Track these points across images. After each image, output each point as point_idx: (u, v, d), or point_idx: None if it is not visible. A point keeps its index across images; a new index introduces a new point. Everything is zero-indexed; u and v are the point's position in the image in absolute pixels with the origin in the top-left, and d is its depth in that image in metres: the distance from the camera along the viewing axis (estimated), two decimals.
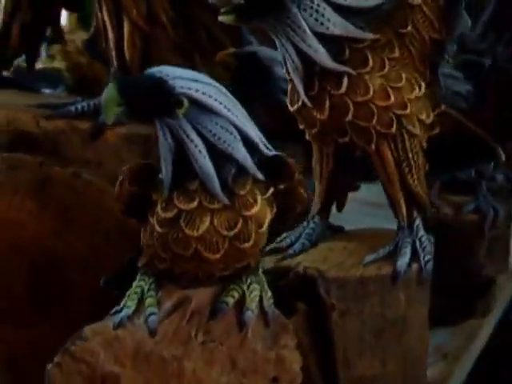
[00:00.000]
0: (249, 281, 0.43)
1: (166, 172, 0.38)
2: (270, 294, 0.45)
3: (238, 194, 0.39)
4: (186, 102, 0.36)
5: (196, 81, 0.37)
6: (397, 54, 0.46)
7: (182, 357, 0.42)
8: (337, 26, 0.43)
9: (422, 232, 0.49)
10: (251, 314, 0.43)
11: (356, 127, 0.46)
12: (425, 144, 0.49)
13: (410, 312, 0.48)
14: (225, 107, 0.37)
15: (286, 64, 0.45)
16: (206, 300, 0.43)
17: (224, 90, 0.38)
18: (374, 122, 0.46)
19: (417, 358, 0.50)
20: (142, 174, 0.40)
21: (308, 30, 0.43)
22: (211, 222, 0.39)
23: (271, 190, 0.41)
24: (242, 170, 0.39)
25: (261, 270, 0.45)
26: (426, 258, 0.47)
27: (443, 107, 0.51)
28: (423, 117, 0.49)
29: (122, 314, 0.41)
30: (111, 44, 0.64)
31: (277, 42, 0.45)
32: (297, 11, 0.42)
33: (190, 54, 0.66)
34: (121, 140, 0.61)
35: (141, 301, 0.42)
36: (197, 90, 0.37)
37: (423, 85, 0.49)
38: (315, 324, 0.47)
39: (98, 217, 0.50)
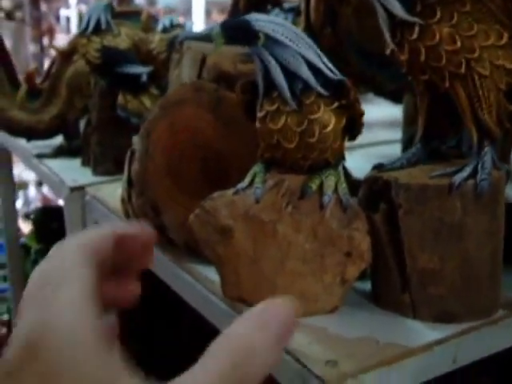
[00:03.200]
0: (327, 173, 0.59)
1: (260, 84, 0.56)
2: (344, 185, 0.60)
3: (304, 102, 0.55)
4: (262, 36, 0.53)
5: (272, 22, 0.54)
6: (468, 8, 0.57)
7: (276, 221, 0.59)
8: None
9: (487, 157, 0.58)
10: (327, 198, 0.59)
11: (430, 67, 0.58)
12: (503, 86, 0.59)
13: (467, 220, 0.58)
14: (290, 41, 0.54)
15: (379, 17, 0.59)
16: (297, 184, 0.60)
17: (295, 29, 0.55)
18: (444, 62, 0.57)
19: (476, 264, 0.59)
20: (249, 86, 0.58)
21: None
22: (286, 120, 0.56)
23: (336, 104, 0.56)
24: (307, 85, 0.55)
25: (341, 167, 0.60)
26: (483, 177, 0.57)
27: None
28: (501, 62, 0.58)
29: (241, 185, 0.60)
30: (302, 9, 0.83)
31: (370, 0, 0.59)
32: None
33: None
34: None
35: (253, 179, 0.60)
36: (269, 28, 0.54)
37: (506, 35, 0.58)
38: (391, 220, 0.61)
39: (254, 128, 0.70)
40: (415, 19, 0.56)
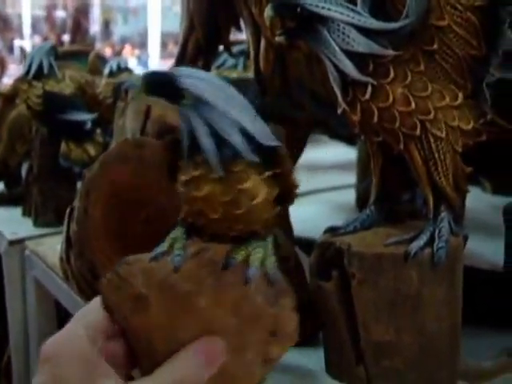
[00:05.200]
0: (255, 245, 0.53)
1: (184, 146, 0.51)
2: (273, 258, 0.54)
3: (232, 170, 0.50)
4: (189, 96, 0.48)
5: (201, 80, 0.49)
6: (422, 67, 0.54)
7: (196, 294, 0.53)
8: (361, 44, 0.53)
9: (444, 223, 0.55)
10: (253, 271, 0.53)
11: (384, 128, 0.55)
12: (459, 147, 0.56)
13: (423, 290, 0.55)
14: (222, 102, 0.49)
15: (329, 75, 0.56)
16: (220, 253, 0.54)
17: (229, 89, 0.50)
18: (398, 124, 0.54)
19: (434, 336, 0.56)
20: (174, 144, 0.53)
21: (337, 48, 0.53)
22: (210, 188, 0.50)
23: (268, 173, 0.51)
24: (236, 152, 0.50)
25: (270, 239, 0.54)
26: (440, 245, 0.54)
27: (489, 117, 0.57)
28: (456, 123, 0.56)
29: (157, 251, 0.53)
30: (251, 57, 0.80)
31: (320, 57, 0.56)
32: (327, 34, 0.53)
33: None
34: None
35: (173, 245, 0.55)
36: (198, 87, 0.48)
37: (460, 95, 0.56)
38: (344, 289, 0.57)
39: None
40: (367, 79, 0.53)
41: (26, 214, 1.04)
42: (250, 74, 1.19)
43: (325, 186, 1.24)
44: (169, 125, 0.74)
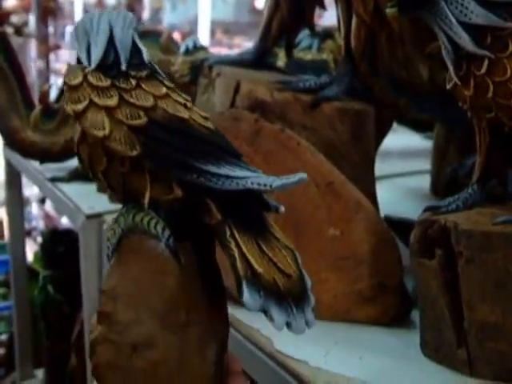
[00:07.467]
0: None
1: None
2: None
3: None
4: None
5: None
6: None
7: None
8: (479, 16, 0.52)
9: None
10: None
11: (498, 104, 0.53)
12: None
13: None
14: None
15: (442, 49, 0.55)
16: None
17: None
18: None
19: None
20: None
21: (454, 20, 0.52)
22: None
23: None
24: None
25: None
26: None
27: None
28: None
29: None
30: (342, 35, 0.79)
31: (434, 30, 0.54)
32: (444, 5, 0.52)
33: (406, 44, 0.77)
34: (335, 112, 0.74)
35: None
36: None
37: None
38: (448, 268, 0.56)
39: (294, 164, 0.65)
40: (485, 52, 0.52)
41: (100, 190, 1.05)
42: (325, 56, 1.19)
43: (397, 172, 1.22)
44: (260, 99, 0.73)
